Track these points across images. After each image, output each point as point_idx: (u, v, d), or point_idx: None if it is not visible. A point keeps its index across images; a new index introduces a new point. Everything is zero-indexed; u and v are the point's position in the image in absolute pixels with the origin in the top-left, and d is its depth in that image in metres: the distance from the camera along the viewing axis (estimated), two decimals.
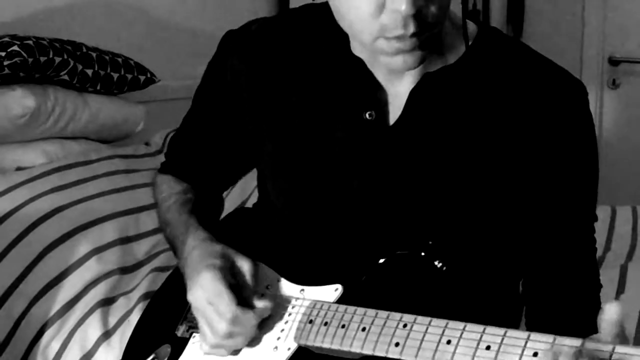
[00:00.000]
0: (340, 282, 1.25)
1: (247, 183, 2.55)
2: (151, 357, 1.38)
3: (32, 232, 2.12)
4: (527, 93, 1.25)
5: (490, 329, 1.06)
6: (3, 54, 2.21)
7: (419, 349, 1.10)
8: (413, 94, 1.26)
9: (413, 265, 1.22)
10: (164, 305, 1.49)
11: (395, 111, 1.28)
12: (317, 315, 1.23)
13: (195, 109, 1.48)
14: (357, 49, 1.28)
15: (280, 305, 1.29)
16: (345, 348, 1.18)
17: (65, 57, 2.36)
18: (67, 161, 2.39)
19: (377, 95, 1.28)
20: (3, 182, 2.23)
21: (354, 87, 1.29)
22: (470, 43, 1.27)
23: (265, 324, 1.28)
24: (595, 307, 1.31)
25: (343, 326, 1.19)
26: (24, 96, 2.31)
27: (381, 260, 1.23)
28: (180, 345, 1.37)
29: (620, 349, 0.96)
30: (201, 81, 1.47)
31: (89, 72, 2.45)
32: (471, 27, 1.30)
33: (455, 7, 1.27)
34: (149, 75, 2.67)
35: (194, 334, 1.36)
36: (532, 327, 1.29)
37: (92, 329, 1.97)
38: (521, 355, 1.02)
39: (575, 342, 0.99)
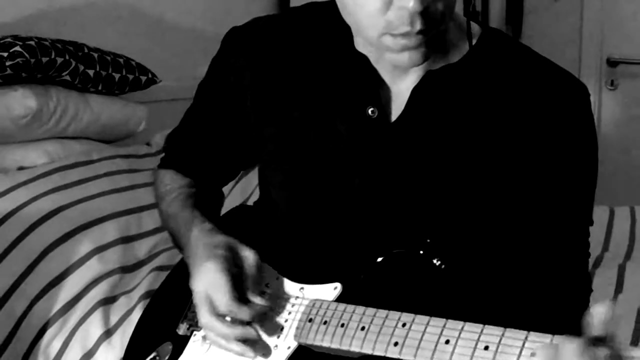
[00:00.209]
0: (339, 281, 1.26)
1: (249, 182, 2.56)
2: (152, 355, 1.39)
3: (34, 232, 2.12)
4: (529, 94, 1.26)
5: (488, 329, 1.07)
6: (5, 54, 2.21)
7: (417, 348, 1.11)
8: (415, 91, 1.26)
9: (412, 263, 1.22)
10: (164, 304, 1.50)
11: (397, 108, 1.29)
12: (317, 314, 1.24)
13: (197, 103, 1.49)
14: (360, 46, 1.29)
15: (280, 304, 1.29)
16: (345, 347, 1.19)
17: (67, 57, 2.36)
18: (69, 161, 2.39)
19: (379, 91, 1.29)
20: (5, 182, 2.23)
21: (357, 83, 1.30)
22: (474, 43, 1.28)
23: (265, 323, 1.28)
24: (583, 310, 1.34)
25: (342, 325, 1.20)
26: (26, 96, 2.31)
27: (380, 259, 1.24)
28: (181, 343, 1.37)
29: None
30: (204, 77, 1.47)
31: (91, 72, 2.45)
32: (474, 27, 1.31)
33: (457, 8, 1.26)
34: (150, 75, 2.67)
35: (195, 332, 1.36)
36: (515, 322, 1.28)
37: (93, 328, 1.98)
38: (519, 355, 1.03)
39: (573, 342, 0.98)
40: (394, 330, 1.14)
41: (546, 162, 1.26)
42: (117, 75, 2.55)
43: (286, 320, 1.27)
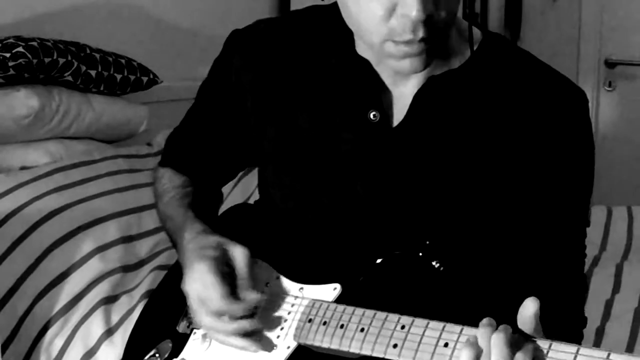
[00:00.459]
0: (339, 281, 1.26)
1: (249, 182, 2.56)
2: (152, 352, 1.39)
3: (36, 231, 2.13)
4: (529, 99, 1.26)
5: (490, 325, 1.07)
6: (8, 55, 2.21)
7: (416, 351, 1.11)
8: (417, 96, 1.27)
9: (411, 265, 1.22)
10: (164, 302, 1.50)
11: (399, 113, 1.29)
12: (316, 314, 1.24)
13: (198, 104, 1.49)
14: (362, 50, 1.29)
15: (279, 303, 1.30)
16: (344, 348, 1.19)
17: (69, 58, 2.36)
18: (71, 161, 2.39)
19: (381, 96, 1.29)
20: (7, 182, 2.23)
21: (359, 87, 1.30)
22: (475, 48, 1.28)
23: (265, 322, 1.28)
24: (577, 313, 1.35)
25: (342, 326, 1.20)
26: (29, 97, 2.31)
27: (379, 260, 1.24)
28: (181, 341, 1.37)
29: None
30: (206, 78, 1.48)
31: (93, 73, 2.45)
32: (476, 33, 1.31)
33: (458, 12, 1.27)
34: (151, 76, 2.68)
35: (194, 330, 1.36)
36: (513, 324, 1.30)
37: (95, 327, 1.98)
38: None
39: (570, 348, 1.01)
40: (393, 332, 1.14)
41: (544, 165, 1.26)
42: (119, 75, 2.55)
43: (285, 320, 1.27)
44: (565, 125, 1.26)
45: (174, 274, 1.49)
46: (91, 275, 2.09)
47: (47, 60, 2.29)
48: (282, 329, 1.27)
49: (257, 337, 1.27)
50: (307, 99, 1.33)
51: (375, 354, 1.15)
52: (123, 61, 2.58)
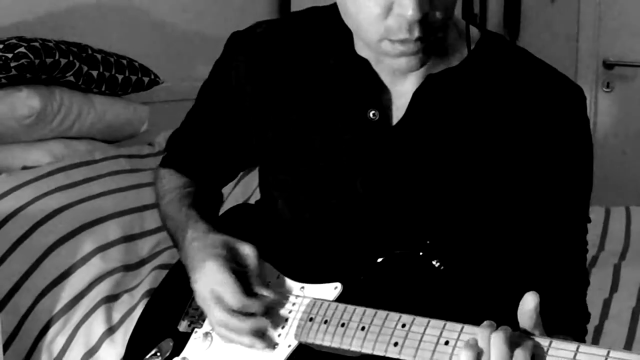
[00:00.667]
0: (340, 280, 1.26)
1: (249, 182, 2.55)
2: (153, 351, 1.39)
3: (38, 230, 2.13)
4: (527, 97, 1.27)
5: (490, 326, 1.08)
6: (10, 55, 2.22)
7: (417, 349, 1.11)
8: (416, 94, 1.28)
9: (411, 264, 1.22)
10: (165, 301, 1.50)
11: (398, 111, 1.29)
12: (317, 313, 1.24)
13: (198, 105, 1.50)
14: (361, 49, 1.29)
15: (280, 303, 1.30)
16: (345, 347, 1.19)
17: (71, 58, 2.36)
18: (72, 161, 2.39)
19: (380, 94, 1.30)
20: (9, 181, 2.24)
21: (358, 87, 1.30)
22: (473, 47, 1.29)
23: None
24: (580, 308, 1.35)
25: (343, 325, 1.20)
26: (30, 97, 2.32)
27: (380, 259, 1.24)
28: (182, 340, 1.38)
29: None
30: (207, 79, 1.49)
31: (94, 73, 2.46)
32: (474, 32, 1.32)
33: (456, 12, 1.28)
34: (152, 76, 2.68)
35: (195, 329, 1.37)
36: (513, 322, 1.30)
37: (97, 325, 1.98)
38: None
39: (570, 345, 1.02)
40: (393, 331, 1.14)
41: (544, 162, 1.27)
42: (120, 76, 2.55)
43: (287, 319, 1.28)
44: (563, 121, 1.27)
45: (175, 273, 1.50)
46: (92, 274, 2.09)
47: (49, 60, 2.29)
48: (283, 327, 1.27)
49: (263, 335, 1.27)
50: (307, 98, 1.34)
51: (376, 353, 1.16)
52: (124, 62, 2.58)
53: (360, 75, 1.30)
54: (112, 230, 2.22)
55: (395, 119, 1.29)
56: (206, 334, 1.34)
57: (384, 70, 1.29)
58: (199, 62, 2.67)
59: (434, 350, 1.09)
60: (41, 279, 2.07)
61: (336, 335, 1.20)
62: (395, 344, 1.13)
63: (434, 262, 1.22)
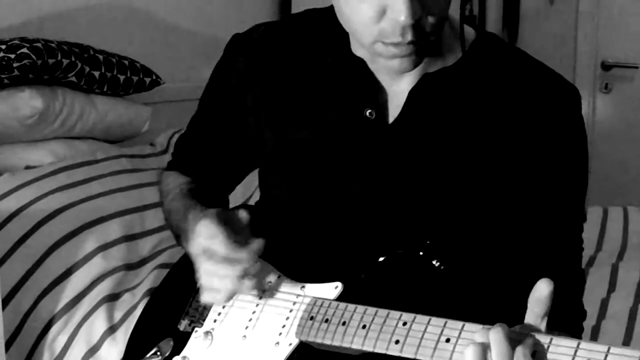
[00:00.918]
0: (341, 280, 1.26)
1: (249, 182, 2.55)
2: (153, 351, 1.39)
3: (40, 229, 2.14)
4: (522, 96, 1.28)
5: (488, 327, 1.06)
6: (12, 56, 2.22)
7: (418, 346, 1.11)
8: (412, 93, 1.28)
9: (411, 264, 1.23)
10: (165, 300, 1.50)
11: (394, 110, 1.30)
12: (318, 312, 1.24)
13: (201, 110, 1.51)
14: (358, 49, 1.30)
15: (281, 302, 1.30)
16: (346, 345, 1.18)
17: (73, 59, 2.37)
18: (74, 160, 2.40)
19: (377, 94, 1.31)
20: (12, 181, 2.24)
21: (355, 86, 1.31)
22: (468, 47, 1.30)
23: (266, 319, 1.29)
24: (577, 306, 1.36)
25: (343, 323, 1.20)
26: (33, 97, 2.32)
27: (380, 259, 1.24)
28: (182, 339, 1.37)
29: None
30: (208, 83, 1.49)
31: (96, 74, 2.46)
32: (470, 32, 1.33)
33: (454, 13, 1.29)
34: (154, 77, 2.68)
35: (196, 329, 1.36)
36: (512, 319, 1.29)
37: (98, 324, 1.99)
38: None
39: (571, 342, 1.01)
40: (395, 329, 1.14)
41: (539, 161, 1.28)
42: (122, 76, 2.55)
43: (287, 318, 1.27)
44: (558, 120, 1.27)
45: (176, 272, 1.51)
46: (94, 273, 2.10)
47: (51, 61, 2.29)
48: (284, 326, 1.27)
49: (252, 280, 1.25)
50: (305, 98, 1.35)
51: (377, 350, 1.15)
52: (126, 62, 2.59)
53: (356, 74, 1.31)
54: (113, 229, 2.22)
55: (392, 118, 1.30)
56: (206, 333, 1.34)
57: (380, 69, 1.30)
58: (200, 63, 2.69)
59: (435, 348, 1.09)
60: (43, 277, 2.07)
61: (337, 333, 1.20)
62: (397, 342, 1.13)
63: (434, 262, 1.22)
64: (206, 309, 1.37)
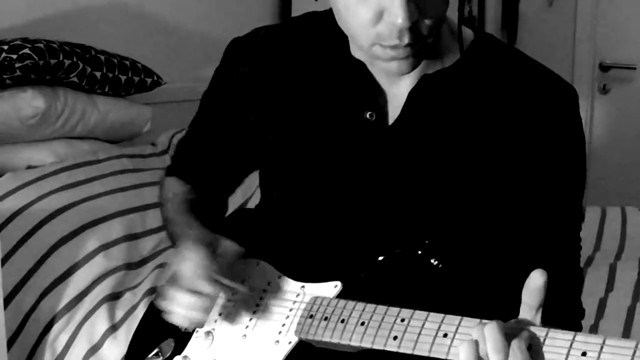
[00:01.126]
0: (340, 279, 1.27)
1: (249, 183, 2.54)
2: (155, 351, 1.39)
3: (42, 229, 2.15)
4: (520, 96, 1.28)
5: (485, 322, 1.07)
6: (15, 56, 2.22)
7: (416, 342, 1.11)
8: (411, 95, 1.29)
9: (410, 262, 1.23)
10: None
11: (394, 111, 1.30)
12: (318, 310, 1.24)
13: (201, 113, 1.51)
14: (357, 52, 1.30)
15: (281, 301, 1.30)
16: (345, 341, 1.19)
17: (75, 59, 2.37)
18: (76, 160, 2.41)
19: (377, 96, 1.31)
20: (14, 180, 2.25)
21: (354, 88, 1.32)
22: (466, 48, 1.30)
23: (267, 319, 1.30)
24: (575, 304, 1.36)
25: (342, 321, 1.20)
26: (35, 97, 2.32)
27: (380, 258, 1.25)
28: (183, 339, 1.38)
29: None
30: (208, 87, 1.49)
31: (98, 74, 2.46)
32: (468, 33, 1.33)
33: (453, 14, 1.30)
34: (155, 77, 2.68)
35: (196, 329, 1.36)
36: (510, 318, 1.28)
37: (99, 323, 2.00)
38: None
39: (567, 335, 1.01)
40: (393, 325, 1.15)
41: (537, 161, 1.28)
42: (123, 77, 2.56)
43: (287, 317, 1.28)
44: (556, 120, 1.28)
45: None
46: (95, 272, 2.11)
47: (53, 61, 2.30)
48: (284, 325, 1.28)
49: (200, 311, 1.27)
50: (305, 100, 1.35)
51: (375, 347, 1.16)
52: (127, 63, 2.59)
53: (356, 77, 1.32)
54: (114, 229, 2.23)
55: (392, 119, 1.31)
56: (207, 333, 1.35)
57: (379, 71, 1.30)
58: (201, 64, 2.69)
59: (432, 343, 1.10)
60: (44, 277, 2.08)
61: (336, 330, 1.20)
62: (395, 338, 1.14)
63: (432, 261, 1.22)
64: None
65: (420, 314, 1.14)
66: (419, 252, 1.23)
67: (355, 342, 1.18)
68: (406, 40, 1.17)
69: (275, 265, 1.36)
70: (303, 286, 1.30)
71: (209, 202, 1.52)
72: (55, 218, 2.17)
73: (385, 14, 1.16)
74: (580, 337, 1.00)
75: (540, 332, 1.03)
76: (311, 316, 1.25)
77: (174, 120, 2.84)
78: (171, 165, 1.58)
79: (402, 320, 1.15)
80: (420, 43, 1.19)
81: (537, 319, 1.07)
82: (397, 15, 1.14)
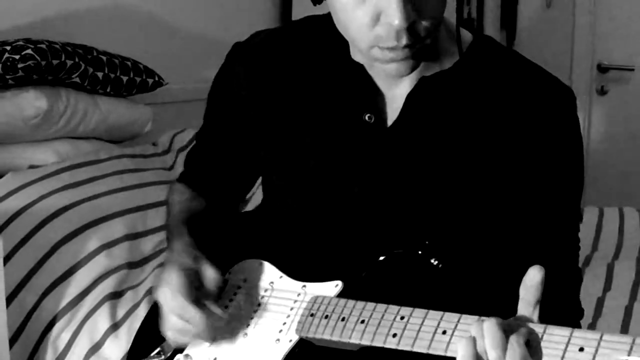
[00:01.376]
0: (341, 279, 1.28)
1: None
2: (157, 350, 1.40)
3: (44, 228, 2.15)
4: (518, 97, 1.28)
5: (483, 319, 1.07)
6: (17, 57, 2.22)
7: (415, 339, 1.12)
8: (410, 97, 1.29)
9: (410, 262, 1.23)
10: None
11: (393, 113, 1.31)
12: (318, 309, 1.25)
13: (205, 121, 1.52)
14: (356, 54, 1.31)
15: (282, 301, 1.31)
16: (345, 339, 1.20)
17: (77, 60, 2.37)
18: (78, 160, 2.40)
19: (375, 98, 1.31)
20: (16, 180, 2.25)
21: (353, 91, 1.32)
22: (464, 50, 1.30)
23: (268, 318, 1.31)
24: (574, 304, 1.36)
25: (343, 319, 1.21)
26: (37, 98, 2.32)
27: (380, 258, 1.26)
28: None
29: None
30: (210, 92, 1.50)
31: (100, 74, 2.46)
32: (466, 35, 1.34)
33: (451, 16, 1.31)
34: (156, 78, 2.68)
35: None
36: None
37: (101, 321, 2.00)
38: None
39: (564, 331, 1.02)
40: (392, 323, 1.15)
41: (535, 162, 1.28)
42: (125, 77, 2.56)
43: (288, 316, 1.29)
44: (553, 121, 1.28)
45: None
46: (97, 271, 2.11)
47: (55, 62, 2.30)
48: (284, 324, 1.29)
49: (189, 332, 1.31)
50: (305, 103, 1.36)
51: (375, 344, 1.16)
52: (129, 63, 2.59)
53: (355, 79, 1.32)
54: (116, 228, 2.23)
55: (390, 121, 1.31)
56: None
57: (378, 74, 1.31)
58: (202, 65, 2.69)
59: (431, 340, 1.10)
60: (47, 276, 2.08)
61: (336, 328, 1.21)
62: (394, 335, 1.14)
63: (432, 261, 1.22)
64: None
65: (419, 312, 1.14)
66: (419, 252, 1.23)
67: (355, 340, 1.19)
68: (404, 41, 1.17)
69: (277, 266, 1.37)
70: (304, 286, 1.31)
71: (217, 209, 1.52)
72: (57, 217, 2.17)
73: (383, 15, 1.16)
74: (577, 332, 1.01)
75: (538, 328, 1.04)
76: (312, 315, 1.26)
77: (175, 120, 2.85)
78: (182, 172, 1.58)
79: (402, 318, 1.15)
80: (419, 44, 1.20)
81: (535, 316, 1.07)
82: (394, 17, 1.14)
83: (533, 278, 1.07)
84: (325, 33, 1.35)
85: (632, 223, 2.77)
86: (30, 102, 2.32)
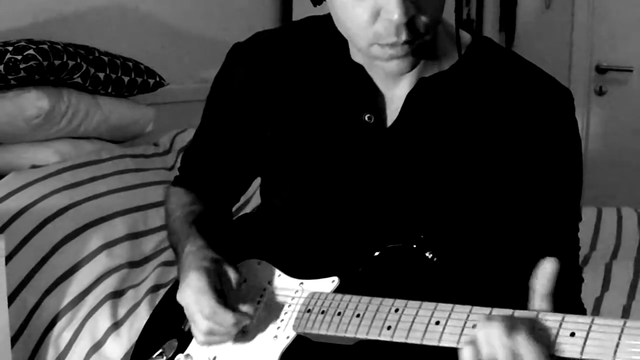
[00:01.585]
0: (337, 275, 1.28)
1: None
2: (159, 351, 1.41)
3: (46, 228, 2.15)
4: (517, 98, 1.28)
5: (476, 309, 1.09)
6: (19, 57, 2.23)
7: (409, 330, 1.13)
8: (409, 97, 1.30)
9: (406, 257, 1.24)
10: (172, 303, 1.47)
11: (392, 114, 1.31)
12: (315, 304, 1.26)
13: (204, 121, 1.52)
14: (356, 55, 1.32)
15: (280, 298, 1.32)
16: (341, 334, 1.20)
17: (79, 60, 2.37)
18: (80, 160, 2.40)
19: (375, 98, 1.32)
20: (18, 179, 2.25)
21: (353, 91, 1.33)
22: (463, 51, 1.31)
23: (266, 315, 1.32)
24: (575, 304, 1.38)
25: (339, 314, 1.22)
26: (39, 98, 2.32)
27: (376, 253, 1.26)
28: (186, 339, 1.39)
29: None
30: (209, 92, 1.50)
31: (101, 75, 2.46)
32: (466, 36, 1.34)
33: (451, 17, 1.31)
34: (158, 78, 2.68)
35: None
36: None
37: (102, 320, 2.01)
38: None
39: (556, 316, 1.03)
40: (387, 316, 1.16)
41: (534, 162, 1.29)
42: (126, 78, 2.55)
43: (286, 313, 1.30)
44: (552, 122, 1.28)
45: None
46: (98, 270, 2.11)
47: (57, 62, 2.30)
48: (282, 320, 1.30)
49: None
50: (305, 103, 1.36)
51: (370, 337, 1.17)
52: (130, 64, 2.59)
53: (355, 80, 1.33)
54: (117, 228, 2.23)
55: (390, 122, 1.32)
56: None
57: (377, 74, 1.31)
58: (203, 65, 2.70)
59: (425, 331, 1.11)
60: (48, 275, 2.09)
61: (332, 323, 1.22)
62: (389, 328, 1.15)
63: (427, 254, 1.23)
64: None
65: (413, 304, 1.15)
66: (414, 246, 1.24)
67: (350, 334, 1.20)
68: (404, 37, 1.18)
69: (276, 264, 1.37)
70: (301, 283, 1.32)
71: (212, 211, 1.52)
72: (58, 217, 2.18)
73: (382, 12, 1.17)
74: (569, 317, 1.02)
75: (530, 314, 1.05)
76: (309, 310, 1.27)
77: (177, 120, 2.85)
78: (178, 176, 1.58)
79: (396, 310, 1.16)
80: (418, 40, 1.20)
81: (546, 307, 1.08)
82: (393, 12, 1.15)
83: (546, 269, 1.07)
84: (325, 34, 1.35)
85: (630, 223, 2.77)
86: (32, 102, 2.32)
